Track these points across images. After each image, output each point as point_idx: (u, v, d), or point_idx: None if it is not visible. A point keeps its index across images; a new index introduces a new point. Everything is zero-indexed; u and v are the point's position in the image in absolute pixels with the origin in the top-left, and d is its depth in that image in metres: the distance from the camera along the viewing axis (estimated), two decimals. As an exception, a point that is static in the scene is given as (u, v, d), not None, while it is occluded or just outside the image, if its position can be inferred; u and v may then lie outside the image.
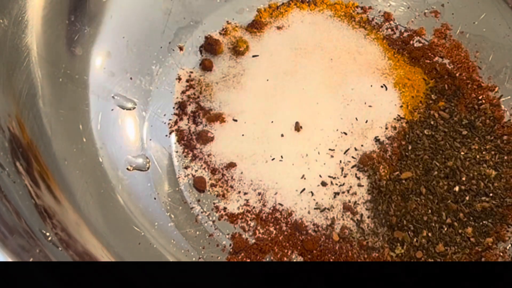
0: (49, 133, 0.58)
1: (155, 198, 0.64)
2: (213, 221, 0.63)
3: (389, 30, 0.74)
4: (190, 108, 0.68)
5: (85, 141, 0.62)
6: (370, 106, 0.68)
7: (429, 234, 0.61)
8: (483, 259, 0.61)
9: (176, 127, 0.68)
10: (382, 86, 0.69)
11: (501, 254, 0.61)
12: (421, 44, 0.73)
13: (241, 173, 0.65)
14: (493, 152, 0.65)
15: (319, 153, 0.66)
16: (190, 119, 0.68)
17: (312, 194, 0.64)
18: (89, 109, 0.64)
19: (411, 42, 0.73)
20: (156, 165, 0.66)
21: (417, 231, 0.61)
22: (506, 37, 0.73)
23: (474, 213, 0.62)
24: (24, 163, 0.52)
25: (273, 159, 0.65)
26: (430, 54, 0.72)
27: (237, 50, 0.71)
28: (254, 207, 0.63)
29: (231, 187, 0.64)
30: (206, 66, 0.71)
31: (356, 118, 0.67)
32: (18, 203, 0.48)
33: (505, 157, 0.65)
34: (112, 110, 0.66)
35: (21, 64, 0.56)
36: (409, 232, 0.61)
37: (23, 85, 0.56)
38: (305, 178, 0.64)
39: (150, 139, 0.67)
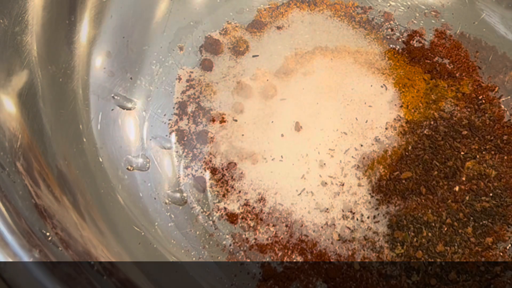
0: (49, 133, 0.57)
1: (155, 198, 0.64)
2: (213, 221, 0.63)
3: (389, 30, 0.74)
4: (190, 108, 0.69)
5: (85, 141, 0.62)
6: (370, 106, 0.68)
7: (429, 234, 0.61)
8: (483, 259, 0.61)
9: (176, 127, 0.68)
10: (382, 86, 0.69)
11: (501, 254, 0.61)
12: (421, 44, 0.73)
13: (241, 173, 0.65)
14: (493, 152, 0.65)
15: (319, 153, 0.66)
16: (190, 119, 0.68)
17: (312, 194, 0.64)
18: (89, 109, 0.64)
19: (411, 42, 0.73)
20: (156, 165, 0.65)
21: (417, 231, 0.61)
22: (506, 37, 0.73)
23: (474, 213, 0.62)
24: (24, 163, 0.52)
25: (273, 159, 0.65)
26: (430, 54, 0.72)
27: (237, 50, 0.71)
28: (254, 207, 0.63)
29: (231, 187, 0.64)
30: (206, 66, 0.71)
31: (356, 118, 0.67)
32: (18, 203, 0.48)
33: (505, 157, 0.65)
34: (112, 110, 0.66)
35: (21, 64, 0.56)
36: (409, 232, 0.61)
37: (23, 85, 0.56)
38: (305, 178, 0.64)
39: (150, 139, 0.67)
